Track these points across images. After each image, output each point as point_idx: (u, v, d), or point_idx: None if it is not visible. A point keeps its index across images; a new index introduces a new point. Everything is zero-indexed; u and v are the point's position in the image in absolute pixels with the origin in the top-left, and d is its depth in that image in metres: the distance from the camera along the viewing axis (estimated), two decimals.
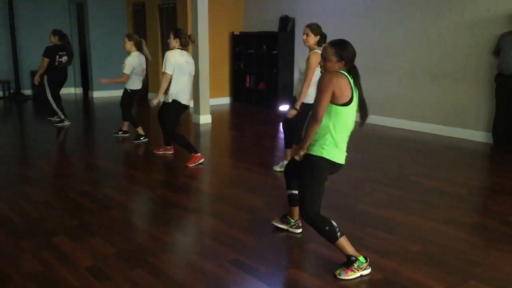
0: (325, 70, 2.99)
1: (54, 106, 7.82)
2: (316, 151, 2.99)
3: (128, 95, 6.73)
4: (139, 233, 3.71)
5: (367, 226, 3.80)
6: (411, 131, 7.55)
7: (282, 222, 3.70)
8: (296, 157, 3.11)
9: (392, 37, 7.77)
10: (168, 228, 3.80)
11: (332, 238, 2.99)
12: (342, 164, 3.08)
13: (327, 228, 2.98)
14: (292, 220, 3.66)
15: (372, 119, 7.94)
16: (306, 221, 3.02)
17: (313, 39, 4.74)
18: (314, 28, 4.77)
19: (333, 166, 3.03)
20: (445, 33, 7.10)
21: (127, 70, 6.44)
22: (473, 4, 6.72)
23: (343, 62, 2.93)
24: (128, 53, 6.60)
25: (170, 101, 5.49)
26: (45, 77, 7.70)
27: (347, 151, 3.10)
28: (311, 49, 4.82)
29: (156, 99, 5.46)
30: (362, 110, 3.02)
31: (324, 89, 2.85)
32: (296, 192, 3.41)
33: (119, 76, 6.66)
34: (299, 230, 3.67)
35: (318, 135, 2.99)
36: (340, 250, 3.03)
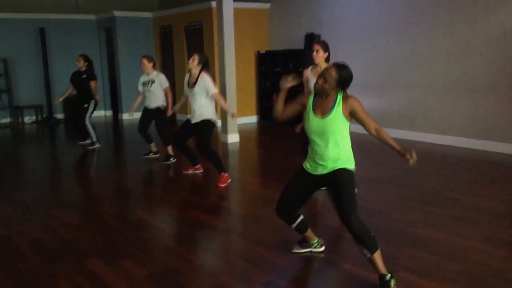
0: (320, 90, 3.05)
1: (90, 128, 7.96)
2: (348, 164, 3.10)
3: (163, 112, 6.77)
4: (171, 254, 3.69)
5: (403, 245, 3.68)
6: (443, 146, 7.37)
7: (303, 247, 3.60)
8: None
9: (421, 50, 7.66)
10: (199, 249, 3.77)
11: (374, 246, 2.97)
12: None
13: (372, 234, 2.98)
14: (313, 242, 3.58)
15: (402, 134, 7.80)
16: (358, 230, 2.95)
17: (322, 55, 4.82)
18: (324, 45, 4.82)
19: None
20: (476, 45, 6.95)
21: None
22: (506, 14, 6.57)
23: (339, 89, 3.04)
24: (148, 73, 6.73)
25: (209, 118, 5.53)
26: (91, 100, 7.87)
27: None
28: (320, 66, 4.83)
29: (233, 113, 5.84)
30: None
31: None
32: (301, 217, 3.42)
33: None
34: (323, 248, 3.59)
35: (346, 149, 3.10)
36: (376, 264, 2.98)
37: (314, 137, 3.10)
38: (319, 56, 4.80)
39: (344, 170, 3.08)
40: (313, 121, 3.07)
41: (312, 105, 3.12)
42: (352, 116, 3.06)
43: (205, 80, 5.44)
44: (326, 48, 4.85)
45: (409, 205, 4.66)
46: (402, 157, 3.02)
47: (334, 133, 3.03)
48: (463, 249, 3.59)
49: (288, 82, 3.34)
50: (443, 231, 3.95)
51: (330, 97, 3.06)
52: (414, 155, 2.98)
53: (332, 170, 3.09)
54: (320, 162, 3.11)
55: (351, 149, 3.15)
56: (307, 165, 3.23)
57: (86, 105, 7.88)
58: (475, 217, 4.28)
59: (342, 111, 3.02)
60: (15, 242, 3.94)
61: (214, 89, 5.47)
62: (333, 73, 2.98)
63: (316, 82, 3.07)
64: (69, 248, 3.81)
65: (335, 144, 3.05)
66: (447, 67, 7.35)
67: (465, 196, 4.89)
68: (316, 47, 4.83)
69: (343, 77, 2.99)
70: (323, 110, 3.05)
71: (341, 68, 3.01)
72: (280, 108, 3.32)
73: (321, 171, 3.13)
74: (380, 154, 7.04)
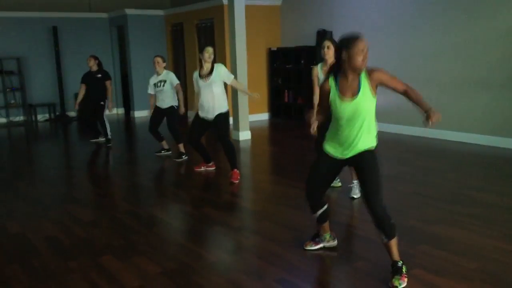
0: (363, 66, 2.97)
1: (108, 125, 8.13)
2: (373, 143, 3.09)
3: (176, 111, 6.82)
4: (184, 251, 3.68)
5: (419, 243, 3.63)
6: (458, 143, 7.27)
7: (317, 243, 3.57)
8: None
9: (435, 46, 7.56)
10: (212, 246, 3.76)
11: (393, 232, 3.01)
12: None
13: (392, 221, 3.02)
14: (327, 235, 3.56)
15: (417, 131, 7.72)
16: (380, 214, 2.98)
17: (333, 51, 4.73)
18: (334, 42, 4.75)
19: None
20: (490, 40, 6.85)
21: None
22: None
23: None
24: (158, 73, 6.75)
25: (226, 110, 5.59)
26: (106, 100, 8.10)
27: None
28: (330, 63, 4.77)
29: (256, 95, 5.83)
30: None
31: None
32: (326, 205, 3.39)
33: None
34: (336, 241, 3.58)
35: (373, 128, 3.08)
36: (391, 250, 3.03)
37: (343, 122, 3.03)
38: (330, 52, 4.73)
39: (369, 152, 3.07)
40: (342, 106, 2.99)
41: (337, 91, 3.03)
42: (382, 86, 3.00)
43: (222, 68, 5.51)
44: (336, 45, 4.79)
45: (424, 202, 4.60)
46: (425, 116, 2.95)
47: (365, 114, 2.99)
48: (479, 247, 3.53)
49: (313, 119, 3.30)
50: (459, 229, 3.89)
51: (353, 77, 2.98)
52: (434, 117, 2.92)
53: (358, 152, 3.07)
54: (347, 146, 3.08)
55: (375, 125, 3.12)
56: (331, 150, 3.18)
57: (102, 103, 8.08)
58: (491, 214, 4.21)
59: (370, 87, 2.96)
60: (30, 239, 3.96)
61: (231, 76, 5.62)
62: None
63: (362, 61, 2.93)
64: (83, 245, 3.83)
65: (363, 127, 3.02)
66: (460, 63, 7.25)
67: (481, 193, 4.82)
68: (327, 43, 4.76)
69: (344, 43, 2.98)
70: (351, 92, 2.98)
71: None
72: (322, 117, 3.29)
73: (346, 154, 3.11)
74: (395, 150, 6.98)
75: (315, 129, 4.40)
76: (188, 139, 5.86)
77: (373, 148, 3.09)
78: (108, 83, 8.07)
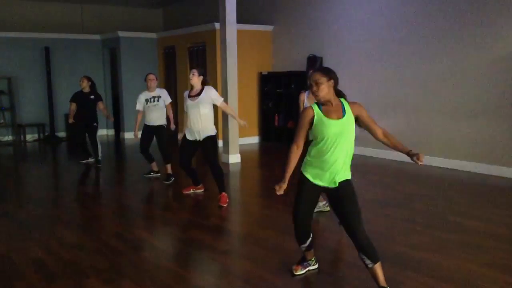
0: (324, 98, 3.08)
1: (100, 146, 8.12)
2: (349, 174, 3.17)
3: (165, 130, 6.85)
4: (170, 275, 3.64)
5: (406, 269, 3.63)
6: (446, 169, 7.33)
7: (305, 267, 3.60)
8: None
9: (423, 73, 7.69)
10: (199, 270, 3.72)
11: (376, 256, 3.06)
12: None
13: (373, 244, 3.06)
14: (312, 260, 3.63)
15: (404, 156, 7.75)
16: (364, 242, 3.04)
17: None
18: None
19: None
20: (478, 69, 6.98)
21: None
22: (510, 39, 6.61)
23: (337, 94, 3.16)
24: (150, 90, 6.81)
25: (214, 134, 5.61)
26: (97, 120, 8.11)
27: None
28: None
29: (243, 123, 5.78)
30: None
31: None
32: (311, 236, 3.42)
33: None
34: (317, 265, 3.65)
35: (351, 156, 3.16)
36: (377, 275, 3.07)
37: (328, 143, 3.04)
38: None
39: (348, 182, 3.13)
40: (331, 125, 3.03)
41: (322, 113, 3.08)
42: (359, 120, 3.08)
43: (212, 90, 5.55)
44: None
45: (412, 229, 4.61)
46: (411, 159, 3.06)
47: (350, 137, 3.06)
48: (467, 274, 3.54)
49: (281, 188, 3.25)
50: (447, 255, 3.90)
51: (335, 103, 3.07)
52: (421, 158, 3.03)
53: (338, 182, 3.11)
54: (327, 173, 3.10)
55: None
56: (310, 174, 3.20)
57: (95, 124, 8.09)
58: (479, 241, 4.23)
59: (352, 113, 3.07)
60: (14, 261, 3.90)
61: (221, 98, 5.64)
62: (323, 77, 3.05)
63: (316, 94, 3.06)
64: (68, 267, 3.77)
65: (348, 151, 3.10)
66: (450, 90, 7.37)
67: (469, 220, 4.85)
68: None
69: (334, 76, 3.08)
70: (337, 115, 3.06)
71: (327, 70, 3.10)
72: (296, 153, 3.29)
73: (326, 182, 3.13)
74: (383, 176, 7.03)
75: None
76: (179, 162, 5.84)
77: (350, 179, 3.16)
78: (100, 104, 8.09)
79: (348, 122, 3.04)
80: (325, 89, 3.03)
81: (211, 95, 5.52)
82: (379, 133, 3.12)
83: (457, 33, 7.18)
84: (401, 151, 3.09)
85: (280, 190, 3.20)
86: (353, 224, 3.05)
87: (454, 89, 7.31)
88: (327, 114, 3.07)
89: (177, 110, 10.85)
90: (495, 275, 3.51)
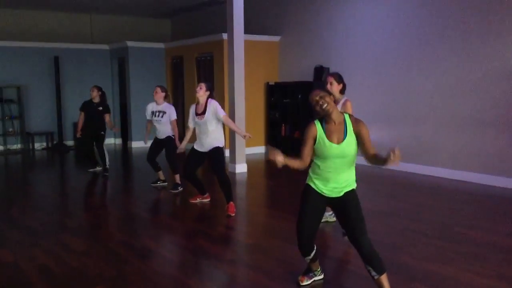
0: (324, 112, 3.14)
1: (107, 155, 8.20)
2: (355, 183, 3.24)
3: (173, 141, 6.82)
4: (176, 284, 3.65)
5: (412, 280, 3.62)
6: (452, 180, 7.31)
7: (310, 277, 3.60)
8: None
9: (429, 84, 7.71)
10: (205, 279, 3.73)
11: (383, 267, 3.09)
12: None
13: (379, 255, 3.09)
14: (318, 270, 3.62)
15: (410, 167, 7.77)
16: (369, 251, 3.07)
17: (336, 87, 4.76)
18: (337, 77, 4.81)
19: None
20: (485, 79, 6.99)
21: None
22: None
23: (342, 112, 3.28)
24: (157, 102, 6.85)
25: (222, 145, 5.62)
26: (105, 129, 8.21)
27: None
28: (335, 98, 4.84)
29: (246, 135, 5.75)
30: None
31: None
32: (315, 248, 3.42)
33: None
34: (323, 275, 3.66)
35: (354, 170, 3.23)
36: (384, 286, 3.09)
37: (329, 162, 3.12)
38: (333, 88, 4.77)
39: (352, 192, 3.18)
40: (331, 148, 3.10)
41: (324, 133, 3.14)
42: (358, 137, 3.11)
43: (213, 105, 5.53)
44: (340, 80, 4.83)
45: (418, 239, 4.60)
46: (389, 158, 2.89)
47: (351, 156, 3.12)
48: (472, 285, 3.52)
49: (279, 157, 3.17)
50: (453, 267, 3.89)
51: (338, 121, 3.12)
52: (397, 152, 2.86)
53: (342, 193, 3.16)
54: (333, 184, 3.17)
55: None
56: (315, 184, 3.24)
57: (103, 133, 8.18)
58: (485, 253, 4.21)
59: (353, 132, 3.11)
60: (22, 268, 3.93)
61: (223, 112, 5.58)
62: (325, 94, 3.13)
63: (318, 109, 3.12)
64: (75, 275, 3.80)
65: (348, 167, 3.16)
66: (456, 101, 7.37)
67: (475, 231, 4.83)
68: (330, 79, 4.78)
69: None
70: (338, 137, 3.10)
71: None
72: (301, 163, 3.24)
73: (329, 193, 3.18)
74: (389, 186, 7.01)
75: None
76: (183, 171, 5.88)
77: (355, 189, 3.22)
78: (107, 116, 8.14)
79: (348, 145, 3.09)
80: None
81: (214, 110, 5.50)
82: (371, 153, 3.10)
83: (465, 44, 7.20)
84: (385, 161, 2.95)
85: (278, 157, 3.14)
86: (358, 234, 3.08)
87: (461, 99, 7.31)
88: (329, 135, 3.12)
89: (184, 121, 10.90)
90: (501, 286, 3.49)
